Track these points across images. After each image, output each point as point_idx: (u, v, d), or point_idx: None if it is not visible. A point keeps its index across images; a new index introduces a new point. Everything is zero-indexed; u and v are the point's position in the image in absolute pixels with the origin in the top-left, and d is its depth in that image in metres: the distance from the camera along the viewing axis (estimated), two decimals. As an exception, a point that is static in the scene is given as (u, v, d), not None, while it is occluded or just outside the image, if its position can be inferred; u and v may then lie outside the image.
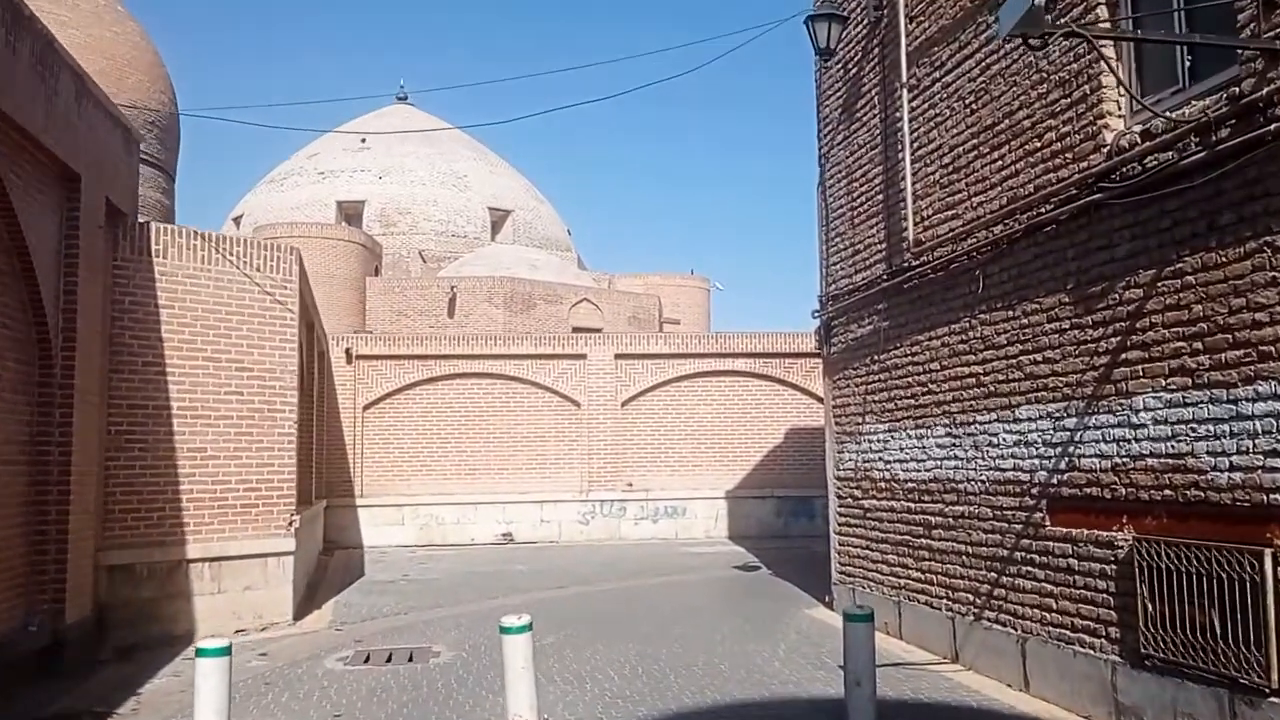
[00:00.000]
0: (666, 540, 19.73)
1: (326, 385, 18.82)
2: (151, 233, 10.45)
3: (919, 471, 9.58)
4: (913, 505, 9.70)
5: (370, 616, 11.78)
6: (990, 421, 8.38)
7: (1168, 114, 6.30)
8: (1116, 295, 6.85)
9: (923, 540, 9.49)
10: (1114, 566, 6.85)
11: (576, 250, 47.15)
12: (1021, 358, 7.94)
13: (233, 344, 10.96)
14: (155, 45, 26.76)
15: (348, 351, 19.32)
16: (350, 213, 41.58)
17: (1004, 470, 8.17)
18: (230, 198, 45.04)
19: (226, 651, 6.05)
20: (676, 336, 21.07)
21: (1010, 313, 8.10)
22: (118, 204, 10.04)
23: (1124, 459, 6.76)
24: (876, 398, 10.50)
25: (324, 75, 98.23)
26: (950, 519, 9.00)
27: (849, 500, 11.18)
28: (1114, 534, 6.86)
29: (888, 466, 10.23)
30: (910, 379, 9.75)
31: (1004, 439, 8.17)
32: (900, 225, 9.91)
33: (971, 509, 8.66)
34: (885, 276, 10.17)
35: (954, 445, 8.96)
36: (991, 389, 8.36)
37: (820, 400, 13.37)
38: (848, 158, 11.16)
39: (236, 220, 43.75)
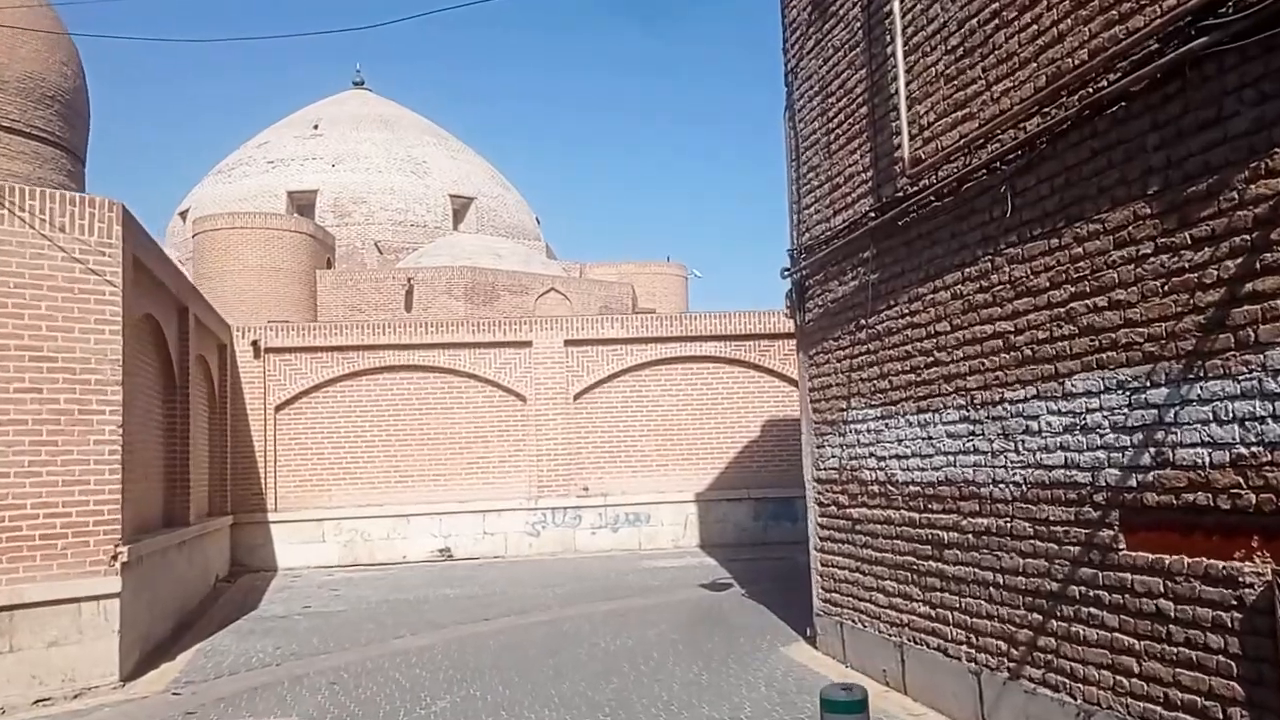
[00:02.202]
0: (628, 552, 17.18)
1: (230, 383, 16.23)
2: (-96, 180, 7.90)
3: (924, 471, 7.12)
4: (916, 516, 7.23)
5: (231, 670, 9.24)
6: (1026, 399, 5.91)
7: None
8: (1234, 192, 4.39)
9: (932, 563, 7.02)
10: (1238, 615, 4.41)
11: (546, 240, 44.65)
12: (1074, 304, 5.47)
13: (25, 326, 8.41)
14: (56, 13, 24.10)
15: (255, 344, 16.68)
16: (302, 203, 39.01)
17: (1049, 468, 5.71)
18: (184, 194, 42.20)
19: None
20: (636, 318, 18.53)
21: (1055, 241, 5.63)
22: None
23: (1254, 448, 4.31)
24: (865, 374, 8.03)
25: (276, 56, 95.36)
26: (970, 536, 6.54)
27: (832, 508, 8.71)
28: (1237, 564, 4.41)
29: (881, 464, 7.77)
30: (910, 347, 7.28)
31: (1048, 423, 5.71)
32: (892, 142, 7.44)
33: (1001, 522, 6.19)
34: (873, 213, 7.70)
35: (973, 434, 6.50)
36: (1028, 353, 5.89)
37: (797, 383, 10.83)
38: (821, 67, 8.67)
39: (183, 214, 41.03)
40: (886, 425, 7.68)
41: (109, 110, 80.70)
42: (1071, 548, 5.54)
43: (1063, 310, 5.58)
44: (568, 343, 17.59)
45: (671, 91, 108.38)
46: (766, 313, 17.97)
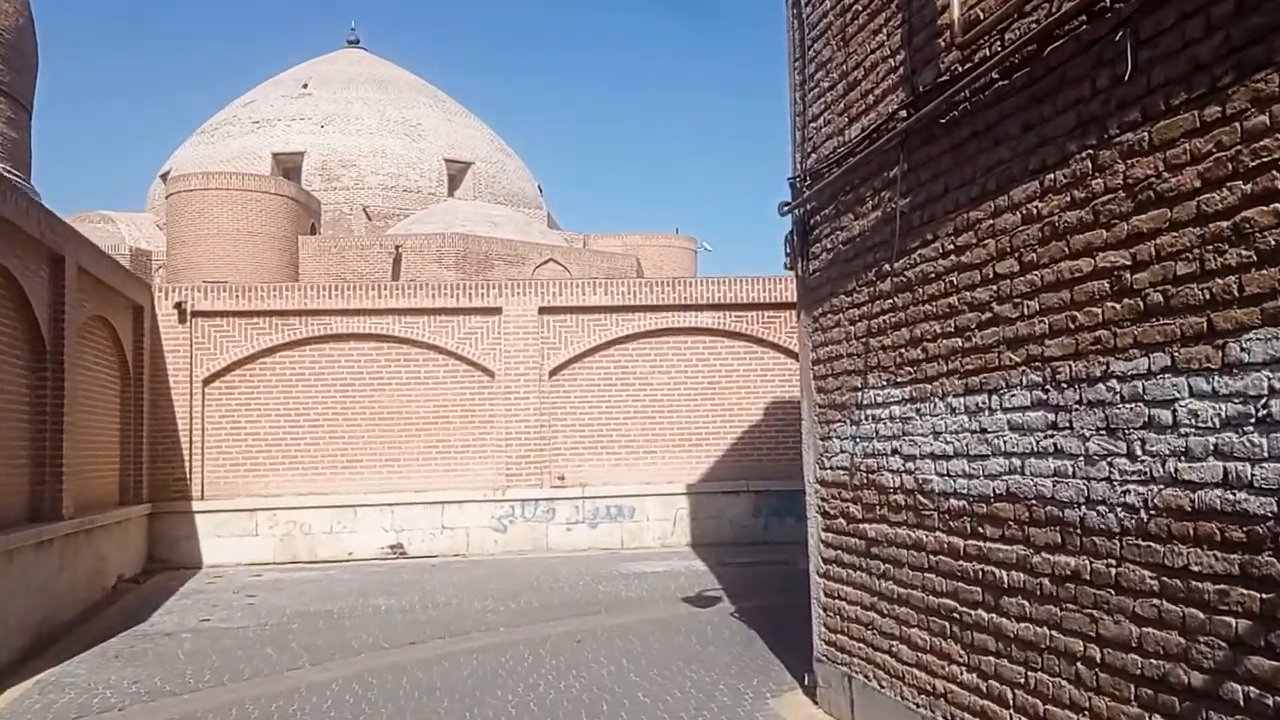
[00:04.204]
0: (608, 551, 15.00)
1: (148, 352, 14.10)
2: None
3: (974, 478, 4.89)
4: (960, 543, 5.01)
5: (58, 717, 7.13)
6: (1152, 374, 3.68)
7: None
8: None
9: (983, 614, 4.80)
10: None
11: (550, 209, 42.40)
12: (1250, 214, 3.23)
13: None
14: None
15: (179, 307, 14.51)
16: (288, 166, 36.94)
17: (1193, 487, 3.48)
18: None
19: None
20: (621, 283, 16.26)
21: (1215, 110, 3.38)
22: None
23: None
24: (889, 340, 5.79)
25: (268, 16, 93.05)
26: (1046, 580, 4.31)
27: (840, 521, 6.50)
28: None
29: (910, 465, 5.54)
30: (956, 298, 5.05)
31: (1192, 413, 3.48)
32: (934, 6, 5.18)
33: (1101, 565, 3.97)
34: (905, 111, 5.44)
35: (1054, 427, 4.26)
36: (1155, 299, 3.66)
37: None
38: (834, -76, 6.39)
39: (164, 176, 38.94)
40: (918, 411, 5.45)
41: (95, 69, 78.61)
42: (1231, 620, 3.33)
43: (1227, 226, 3.33)
44: (543, 310, 15.36)
45: (685, 62, 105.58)
46: (772, 279, 15.71)
